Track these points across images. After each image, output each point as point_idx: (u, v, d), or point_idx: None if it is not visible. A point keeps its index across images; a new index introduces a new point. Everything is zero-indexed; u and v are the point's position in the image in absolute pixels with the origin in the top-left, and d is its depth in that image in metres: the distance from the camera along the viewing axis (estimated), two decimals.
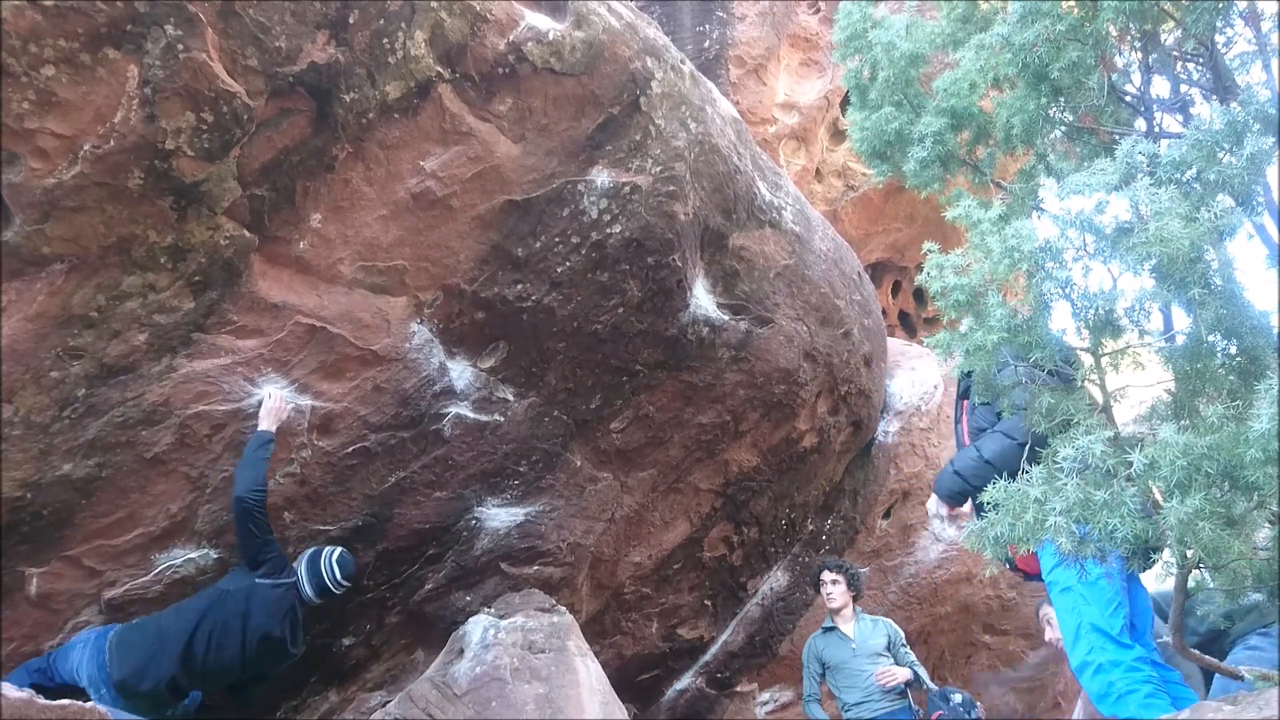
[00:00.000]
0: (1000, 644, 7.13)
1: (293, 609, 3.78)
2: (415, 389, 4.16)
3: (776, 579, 6.28)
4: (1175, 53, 3.13)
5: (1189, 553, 2.31)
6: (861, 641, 5.22)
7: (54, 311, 3.23)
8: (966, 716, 4.68)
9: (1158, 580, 3.55)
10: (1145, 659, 3.31)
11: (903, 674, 5.04)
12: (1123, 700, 3.25)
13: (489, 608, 4.68)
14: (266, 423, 3.73)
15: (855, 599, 5.42)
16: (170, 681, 3.56)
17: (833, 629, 5.34)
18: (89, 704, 2.59)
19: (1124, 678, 3.26)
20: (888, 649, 5.21)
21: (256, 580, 3.69)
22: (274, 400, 3.76)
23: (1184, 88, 3.19)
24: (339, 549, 3.93)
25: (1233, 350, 2.44)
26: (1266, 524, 2.38)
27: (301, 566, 3.84)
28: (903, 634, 5.41)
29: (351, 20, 3.31)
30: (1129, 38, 3.10)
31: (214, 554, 3.99)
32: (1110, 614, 3.39)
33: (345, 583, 3.86)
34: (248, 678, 3.80)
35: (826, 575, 5.42)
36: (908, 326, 9.77)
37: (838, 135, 8.18)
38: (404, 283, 3.95)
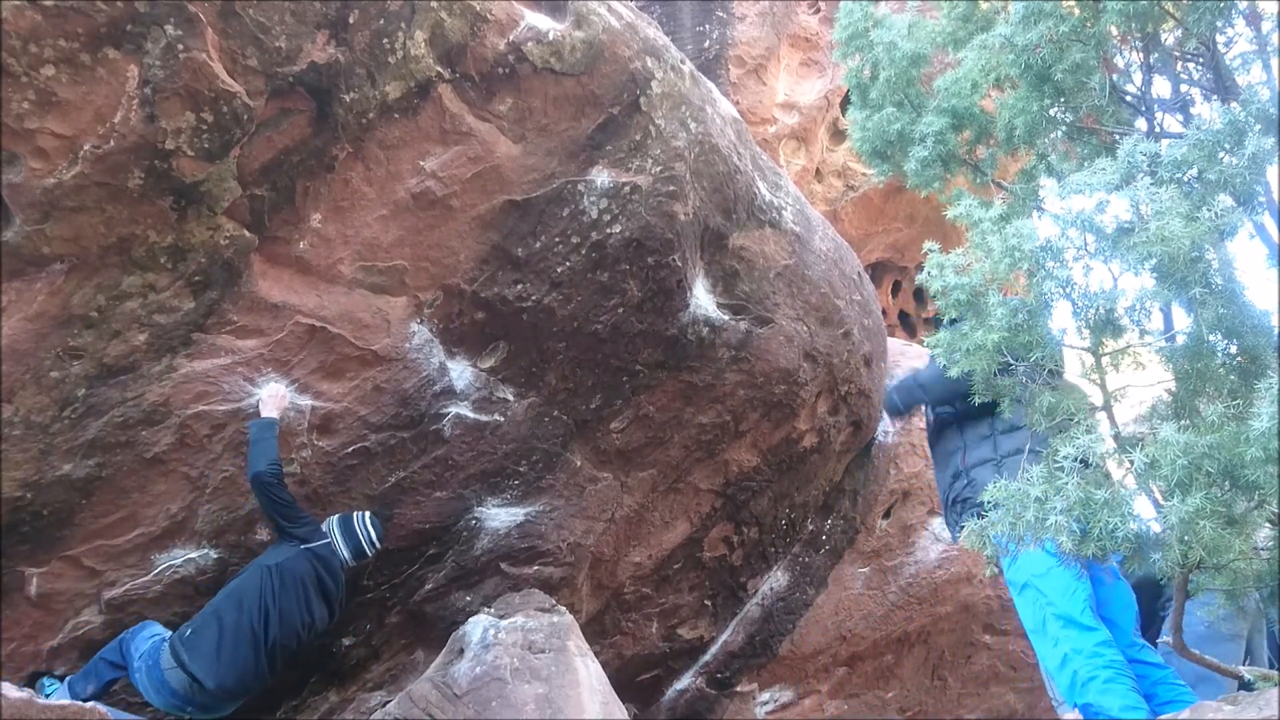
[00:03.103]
0: (1000, 644, 7.13)
1: (341, 570, 3.86)
2: (415, 389, 4.16)
3: (776, 579, 6.27)
4: (1176, 53, 3.13)
5: (1189, 552, 2.31)
6: None
7: (54, 311, 3.23)
8: None
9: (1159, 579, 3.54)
10: (1108, 643, 3.26)
11: None
12: (1085, 687, 3.21)
13: (489, 608, 4.68)
14: (267, 410, 3.74)
15: None
16: (266, 671, 3.63)
17: None
18: (89, 704, 2.60)
19: (1085, 664, 3.23)
20: None
21: (303, 547, 3.74)
22: (273, 390, 3.77)
23: (1185, 88, 3.19)
24: (367, 511, 4.02)
25: (1233, 350, 2.44)
26: (1267, 524, 2.38)
27: (335, 529, 3.90)
28: None
29: (351, 20, 3.30)
30: (1130, 38, 3.10)
31: (214, 554, 3.99)
32: (1070, 597, 3.35)
33: (379, 544, 3.94)
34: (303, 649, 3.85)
35: None
36: (908, 326, 9.77)
37: (838, 135, 8.17)
38: (404, 283, 3.95)
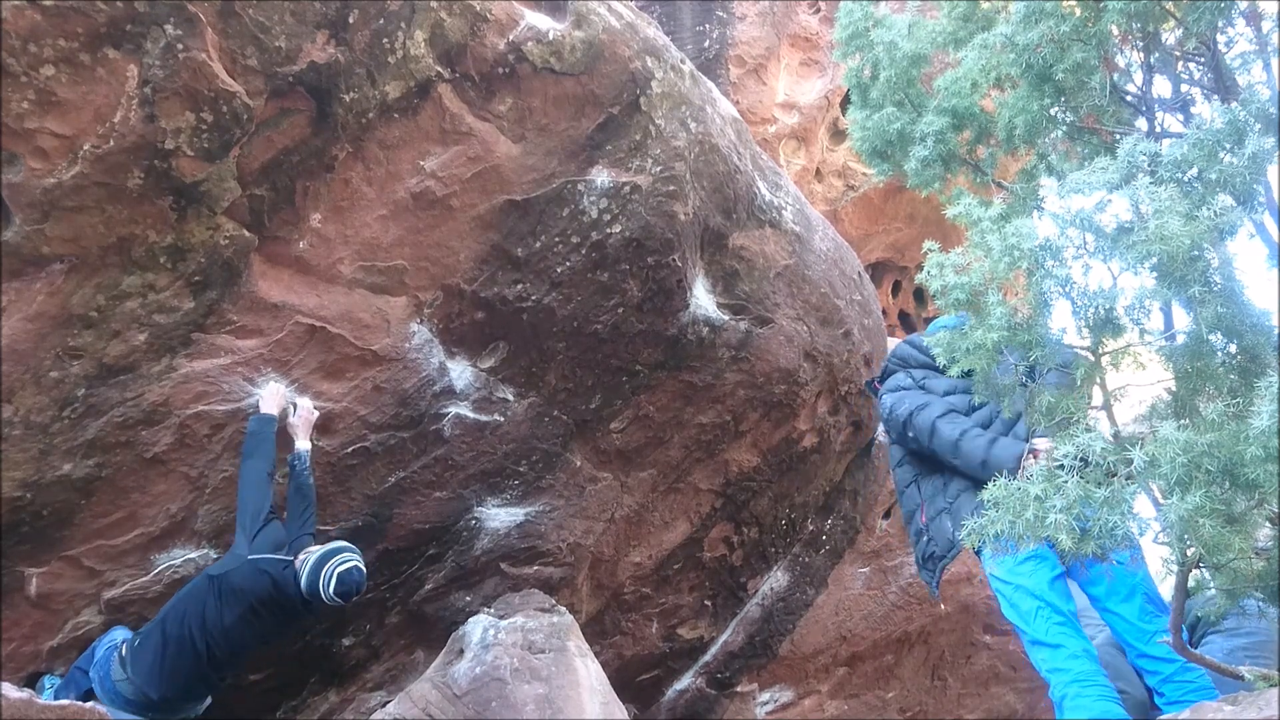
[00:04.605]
0: (1000, 644, 7.13)
1: (297, 591, 3.58)
2: (415, 389, 4.16)
3: (777, 579, 6.27)
4: (1176, 52, 3.13)
5: (1189, 551, 2.31)
6: None
7: (54, 311, 3.23)
8: None
9: (1158, 580, 3.52)
10: (1074, 654, 3.27)
11: None
12: (1060, 708, 3.28)
13: (489, 608, 4.68)
14: (267, 408, 3.72)
15: None
16: (214, 679, 3.57)
17: None
18: (89, 704, 2.59)
19: (1056, 684, 3.28)
20: None
21: (250, 559, 3.54)
22: (273, 389, 3.75)
23: (1185, 87, 3.18)
24: (351, 563, 3.55)
25: (1233, 349, 2.43)
26: (1267, 522, 2.38)
27: (310, 559, 3.56)
28: None
29: (351, 20, 3.30)
30: (1131, 38, 3.10)
31: (214, 554, 3.98)
32: (1035, 616, 3.38)
33: (335, 599, 3.52)
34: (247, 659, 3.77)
35: None
36: (908, 326, 9.75)
37: (838, 135, 8.17)
38: (404, 283, 3.95)
